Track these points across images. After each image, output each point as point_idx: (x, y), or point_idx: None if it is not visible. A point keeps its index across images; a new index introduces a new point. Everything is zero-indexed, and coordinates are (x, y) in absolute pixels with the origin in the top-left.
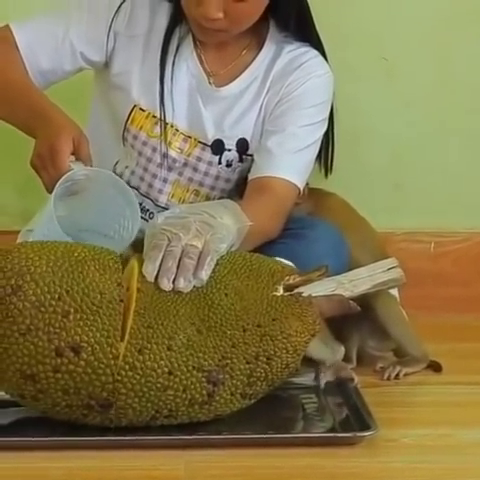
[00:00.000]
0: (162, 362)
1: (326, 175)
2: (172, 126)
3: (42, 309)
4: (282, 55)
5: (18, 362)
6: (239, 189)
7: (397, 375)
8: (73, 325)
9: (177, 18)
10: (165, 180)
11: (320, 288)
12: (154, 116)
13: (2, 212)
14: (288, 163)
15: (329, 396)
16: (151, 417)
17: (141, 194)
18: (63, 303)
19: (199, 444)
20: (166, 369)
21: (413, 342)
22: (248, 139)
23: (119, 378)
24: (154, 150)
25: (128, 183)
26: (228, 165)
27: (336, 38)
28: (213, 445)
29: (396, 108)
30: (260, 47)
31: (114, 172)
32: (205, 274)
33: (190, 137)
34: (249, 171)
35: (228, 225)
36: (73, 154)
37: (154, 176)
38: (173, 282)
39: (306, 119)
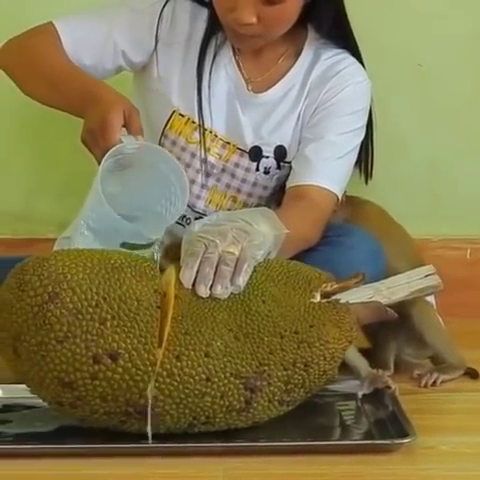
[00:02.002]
0: (200, 369)
1: (366, 181)
2: (211, 132)
3: (79, 316)
4: (320, 62)
5: (56, 370)
6: (277, 196)
7: (434, 382)
8: (110, 332)
9: (215, 25)
10: (203, 186)
11: (357, 295)
12: (193, 122)
13: (39, 220)
14: (326, 171)
15: (366, 403)
16: (189, 424)
17: None
18: (100, 310)
19: (237, 451)
20: (203, 376)
21: (450, 349)
22: (286, 146)
23: (157, 385)
24: (193, 156)
25: None
26: (266, 172)
27: (372, 48)
28: (251, 452)
29: (433, 117)
30: (298, 54)
31: None
32: (242, 281)
33: (229, 143)
34: (287, 179)
35: (265, 232)
36: (124, 127)
37: (192, 182)
38: (210, 289)
39: (344, 126)
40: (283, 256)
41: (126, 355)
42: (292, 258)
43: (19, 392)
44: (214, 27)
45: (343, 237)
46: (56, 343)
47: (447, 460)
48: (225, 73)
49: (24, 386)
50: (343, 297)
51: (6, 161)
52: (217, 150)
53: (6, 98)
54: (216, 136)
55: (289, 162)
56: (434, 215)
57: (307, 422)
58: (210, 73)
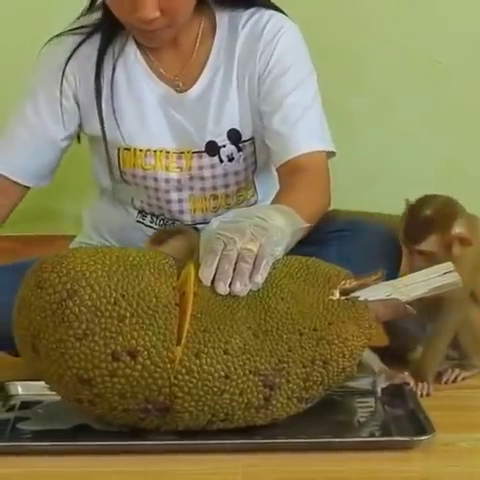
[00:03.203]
0: (219, 366)
1: None
2: (161, 151)
3: (98, 314)
4: (239, 30)
5: (75, 367)
6: (252, 173)
7: (455, 379)
8: (129, 329)
9: (108, 41)
10: (180, 200)
11: (376, 292)
12: (140, 150)
13: (58, 218)
14: (301, 135)
15: (385, 400)
16: (208, 421)
17: (168, 218)
18: (119, 307)
19: (256, 448)
20: (223, 373)
21: (477, 349)
22: (237, 127)
23: (176, 382)
24: (156, 179)
25: (152, 214)
26: (230, 160)
27: (387, 44)
28: (270, 449)
29: (449, 113)
30: (213, 31)
31: (134, 208)
32: (261, 278)
33: (182, 153)
34: (255, 154)
35: (282, 228)
36: None
37: (168, 202)
38: (229, 286)
39: (294, 81)
40: (304, 231)
41: (145, 352)
42: (307, 253)
43: (38, 389)
44: (107, 43)
45: (357, 232)
46: (75, 340)
47: (467, 457)
48: (147, 87)
49: (43, 383)
50: (362, 294)
51: None
52: (175, 164)
53: None
54: (168, 152)
55: (247, 140)
56: None
57: (325, 419)
58: (112, 90)
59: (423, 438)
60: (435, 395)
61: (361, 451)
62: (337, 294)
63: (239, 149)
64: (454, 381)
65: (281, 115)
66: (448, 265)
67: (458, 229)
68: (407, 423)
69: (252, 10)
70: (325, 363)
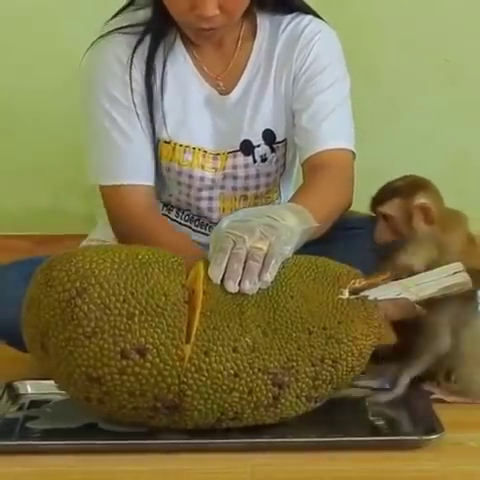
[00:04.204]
0: (228, 364)
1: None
2: (199, 149)
3: (107, 311)
4: (279, 33)
5: (84, 365)
6: (280, 175)
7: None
8: (138, 327)
9: (157, 43)
10: (210, 198)
11: (385, 292)
12: (181, 145)
13: (68, 216)
14: (327, 132)
15: (395, 399)
16: (217, 419)
17: (194, 215)
18: (128, 305)
19: (265, 447)
20: (232, 371)
21: None
22: (271, 128)
23: (185, 380)
24: (190, 176)
25: (178, 208)
26: (263, 160)
27: (398, 42)
28: (279, 448)
29: (459, 113)
30: (254, 33)
31: (160, 201)
32: (270, 276)
33: (218, 154)
34: (285, 156)
35: (292, 227)
36: None
37: (198, 199)
38: (239, 284)
39: (326, 81)
40: (321, 229)
41: (154, 350)
42: (314, 251)
43: (47, 388)
44: (156, 45)
45: (361, 230)
46: (84, 338)
47: (476, 456)
48: (193, 87)
49: (51, 382)
50: (371, 294)
51: (36, 159)
52: (211, 164)
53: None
54: (205, 152)
55: (281, 141)
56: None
57: (334, 418)
58: (162, 89)
59: (432, 437)
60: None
61: (370, 450)
62: (346, 293)
63: (272, 150)
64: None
65: (310, 112)
66: (458, 265)
67: (422, 199)
68: (416, 422)
69: (293, 15)
70: (334, 362)
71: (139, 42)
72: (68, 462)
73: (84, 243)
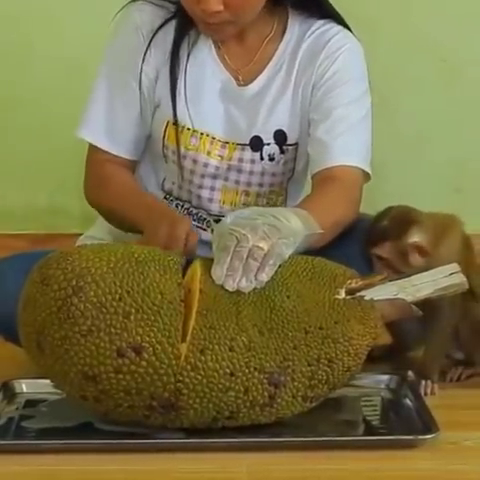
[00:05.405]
0: (224, 363)
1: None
2: (208, 135)
3: (103, 310)
4: (305, 37)
5: (80, 363)
6: (287, 180)
7: (459, 377)
8: (134, 325)
9: (184, 26)
10: (212, 188)
11: (382, 292)
12: (188, 129)
13: (64, 215)
14: (343, 148)
15: (390, 399)
16: (212, 418)
17: (194, 206)
18: (124, 304)
19: (261, 447)
20: (228, 370)
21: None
22: (284, 130)
23: (181, 378)
24: (195, 162)
25: (179, 198)
26: (271, 159)
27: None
28: (274, 448)
29: (457, 112)
30: (282, 34)
31: (163, 190)
32: (266, 276)
33: (227, 142)
34: (295, 161)
35: (296, 230)
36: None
37: (200, 187)
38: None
39: (347, 96)
40: (322, 241)
41: (150, 349)
42: (310, 253)
43: (42, 387)
44: (185, 27)
45: (361, 232)
46: (80, 337)
47: (471, 455)
48: (211, 72)
49: (47, 382)
50: (368, 294)
51: (31, 158)
52: (218, 152)
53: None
54: (214, 138)
55: (291, 145)
56: (457, 211)
57: (330, 418)
58: (185, 74)
59: (428, 437)
60: (439, 394)
61: (366, 450)
62: (343, 293)
63: (282, 151)
64: (458, 379)
65: (327, 125)
66: (454, 266)
67: (414, 238)
68: (412, 422)
69: (324, 21)
70: (330, 362)
71: (169, 19)
72: (63, 461)
73: (81, 238)
